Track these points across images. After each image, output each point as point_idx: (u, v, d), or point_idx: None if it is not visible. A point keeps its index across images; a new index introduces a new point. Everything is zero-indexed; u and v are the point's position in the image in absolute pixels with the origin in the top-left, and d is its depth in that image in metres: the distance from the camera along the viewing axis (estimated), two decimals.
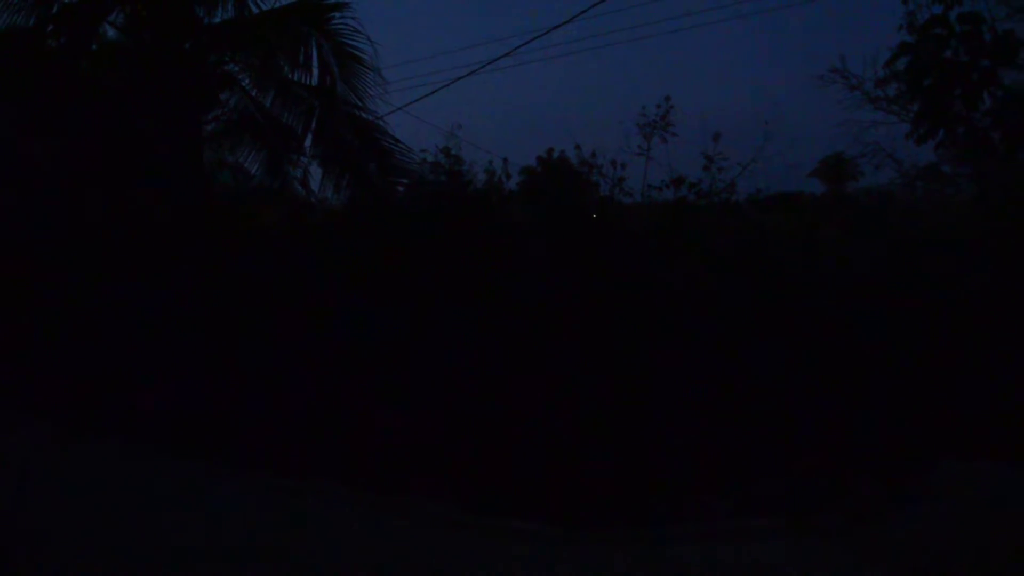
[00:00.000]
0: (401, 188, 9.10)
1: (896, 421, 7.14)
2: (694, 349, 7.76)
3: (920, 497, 5.84)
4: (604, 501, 6.66)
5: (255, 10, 9.11)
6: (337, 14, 8.93)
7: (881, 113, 9.54)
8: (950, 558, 4.72)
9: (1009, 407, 6.81)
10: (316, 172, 9.44)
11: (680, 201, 8.32)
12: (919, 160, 9.61)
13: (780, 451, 7.21)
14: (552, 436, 7.36)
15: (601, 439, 7.25)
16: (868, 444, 7.04)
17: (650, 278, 8.19)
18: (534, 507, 6.55)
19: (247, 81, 9.38)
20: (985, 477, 5.74)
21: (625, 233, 8.29)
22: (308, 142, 9.33)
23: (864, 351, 7.79)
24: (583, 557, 5.61)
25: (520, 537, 6.06)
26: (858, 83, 9.58)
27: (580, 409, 7.54)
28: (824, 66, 9.80)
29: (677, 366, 7.70)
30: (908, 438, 6.91)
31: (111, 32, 9.30)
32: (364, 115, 8.96)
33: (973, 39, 8.00)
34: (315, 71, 9.02)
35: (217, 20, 9.21)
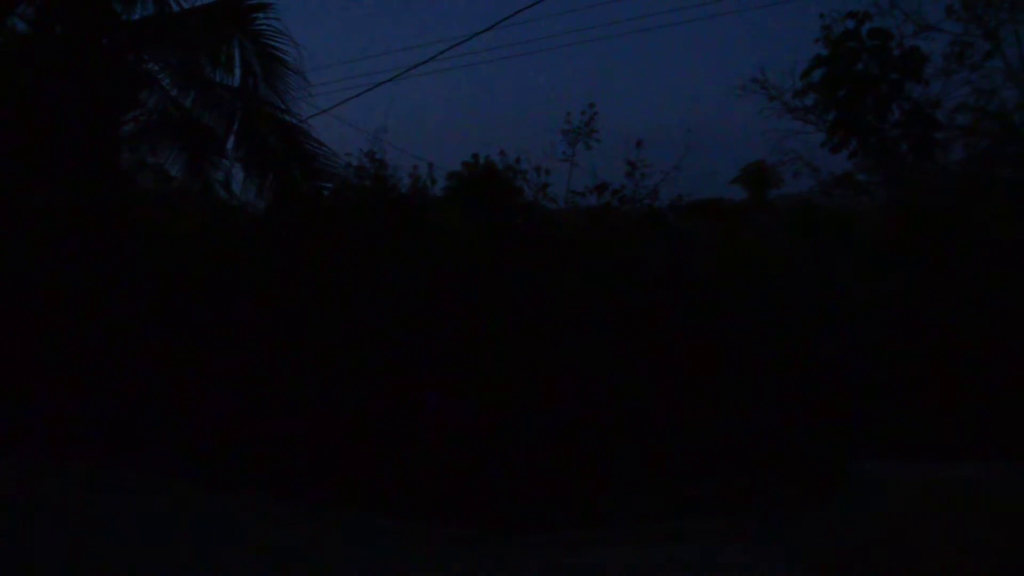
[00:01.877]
0: (326, 192, 8.95)
1: (816, 425, 7.35)
2: (625, 353, 7.86)
3: (835, 495, 6.00)
4: (536, 506, 6.71)
5: (176, 8, 8.86)
6: (260, 15, 8.75)
7: (799, 122, 9.84)
8: (864, 552, 4.88)
9: (916, 408, 7.07)
10: (239, 175, 9.25)
11: (604, 208, 8.42)
12: (836, 168, 9.93)
13: (707, 456, 7.37)
14: (484, 441, 7.36)
15: (531, 444, 7.28)
16: (791, 447, 7.23)
17: (577, 284, 8.26)
18: (466, 513, 6.56)
19: (167, 81, 9.11)
20: (895, 476, 5.92)
21: (550, 238, 8.36)
22: (230, 144, 9.12)
23: (785, 356, 7.98)
24: (504, 561, 5.65)
25: (448, 542, 6.07)
26: (778, 93, 9.85)
27: (510, 414, 7.56)
28: (746, 76, 10.04)
29: (608, 371, 7.78)
30: (827, 441, 7.11)
31: (21, 26, 8.94)
32: (288, 117, 8.80)
33: (882, 53, 8.33)
34: (237, 72, 8.85)
35: (136, 17, 8.92)
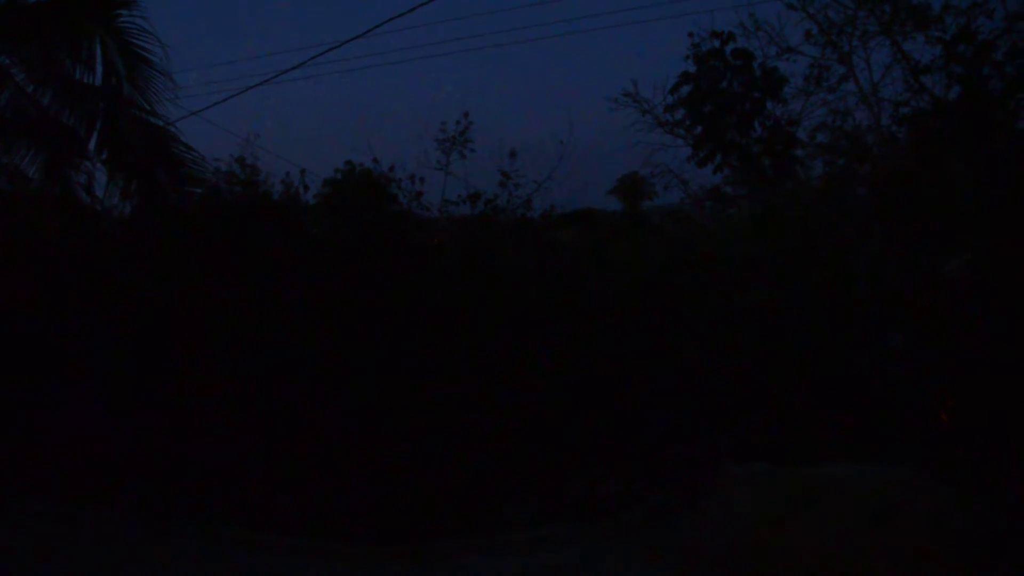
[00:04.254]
0: (195, 198, 8.64)
1: (685, 429, 7.57)
2: (495, 359, 7.90)
3: (704, 498, 6.19)
4: (406, 516, 6.66)
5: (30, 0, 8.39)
6: (124, 12, 8.38)
7: (670, 136, 10.23)
8: (731, 551, 5.06)
9: (782, 412, 7.40)
10: (103, 178, 8.81)
11: (480, 217, 8.48)
12: (707, 181, 10.36)
13: (576, 462, 7.47)
14: (349, 452, 7.27)
15: (401, 455, 7.23)
16: (660, 452, 7.42)
17: (450, 291, 8.27)
18: (334, 525, 6.46)
19: (21, 76, 8.59)
20: (757, 477, 6.16)
21: (424, 247, 8.35)
22: (93, 145, 8.68)
23: (656, 363, 8.19)
24: (374, 572, 5.60)
25: (319, 556, 5.98)
26: (649, 107, 10.20)
27: (378, 425, 7.48)
28: (619, 90, 10.36)
29: (478, 377, 7.81)
30: (696, 445, 7.34)
31: None
32: (153, 119, 8.44)
33: (745, 73, 8.74)
34: (99, 71, 8.44)
35: None
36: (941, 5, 8.86)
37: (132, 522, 6.26)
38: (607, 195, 14.25)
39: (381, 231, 8.38)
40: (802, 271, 8.78)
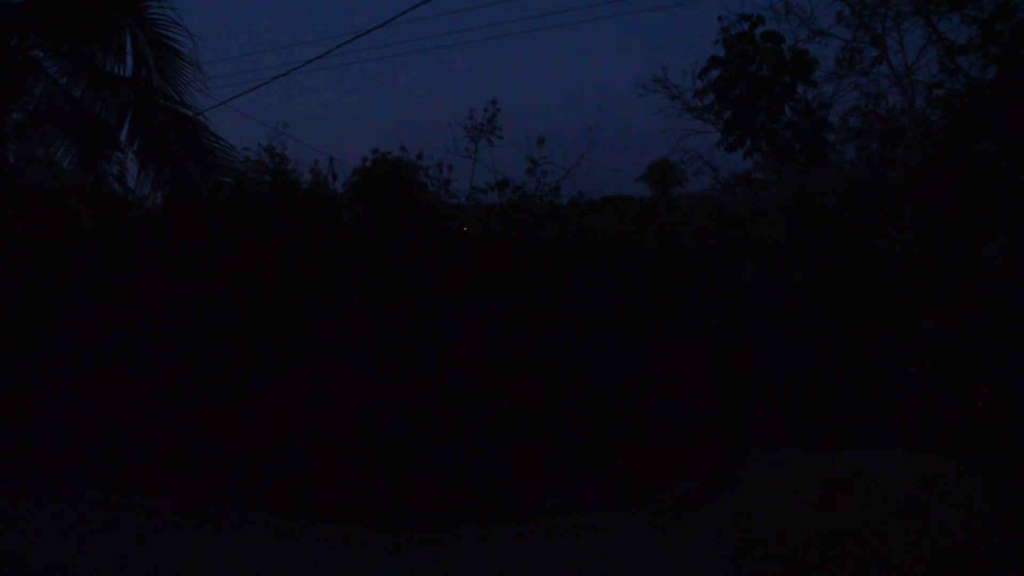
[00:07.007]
0: (225, 187, 8.72)
1: (715, 416, 7.53)
2: (523, 348, 7.91)
3: (733, 485, 6.16)
4: (433, 504, 6.71)
5: None
6: (153, 3, 8.45)
7: (700, 122, 10.10)
8: (760, 539, 5.04)
9: (804, 401, 7.33)
10: (134, 168, 8.93)
11: (509, 205, 8.46)
12: (737, 167, 10.23)
13: (606, 448, 7.47)
14: (377, 439, 7.32)
15: (429, 442, 7.27)
16: (689, 438, 7.39)
17: (480, 279, 8.27)
18: (362, 512, 6.52)
19: (55, 69, 8.71)
20: (787, 464, 6.11)
21: (453, 235, 8.36)
22: (124, 136, 8.79)
23: (683, 347, 8.14)
24: (407, 560, 5.65)
25: (348, 542, 6.04)
26: (678, 93, 10.09)
27: (406, 411, 7.52)
28: (647, 75, 10.22)
29: (502, 366, 7.82)
30: (725, 432, 7.30)
31: None
32: (183, 110, 8.54)
33: (775, 56, 8.60)
34: (129, 62, 8.54)
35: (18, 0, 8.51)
36: None
37: (175, 510, 6.38)
38: (636, 182, 14.28)
39: (409, 219, 8.40)
40: (834, 257, 8.66)
